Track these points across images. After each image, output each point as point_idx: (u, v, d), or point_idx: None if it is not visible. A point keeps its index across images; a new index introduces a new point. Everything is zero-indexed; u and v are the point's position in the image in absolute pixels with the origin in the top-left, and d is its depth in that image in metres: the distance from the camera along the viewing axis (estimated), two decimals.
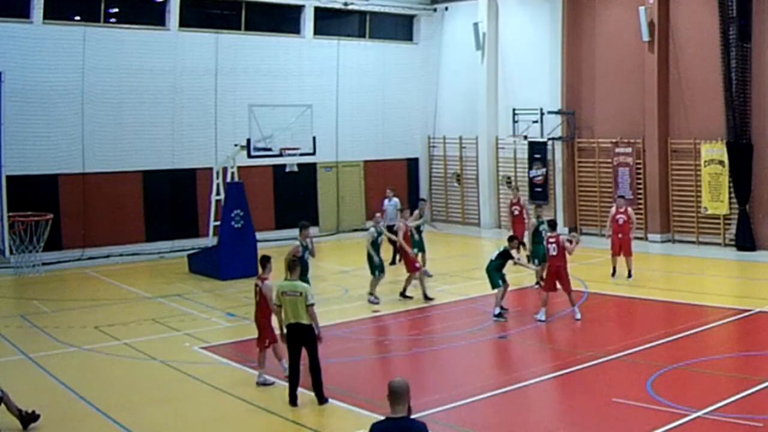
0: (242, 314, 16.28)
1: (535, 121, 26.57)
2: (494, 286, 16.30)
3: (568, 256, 16.17)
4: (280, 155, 22.03)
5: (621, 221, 19.63)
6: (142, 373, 13.17)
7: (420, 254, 20.40)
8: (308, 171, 27.32)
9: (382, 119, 30.46)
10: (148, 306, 18.21)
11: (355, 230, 29.19)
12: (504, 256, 16.43)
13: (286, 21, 28.63)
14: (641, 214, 25.33)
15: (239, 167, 22.48)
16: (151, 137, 25.19)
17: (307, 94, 26.72)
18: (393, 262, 22.34)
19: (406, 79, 30.97)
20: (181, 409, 11.59)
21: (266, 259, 12.81)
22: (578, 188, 27.15)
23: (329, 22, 29.33)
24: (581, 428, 10.47)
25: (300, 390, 12.05)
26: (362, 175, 30.22)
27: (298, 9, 28.44)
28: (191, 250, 23.24)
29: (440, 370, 13.32)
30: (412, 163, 31.78)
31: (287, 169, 23.28)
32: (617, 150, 25.85)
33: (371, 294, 17.78)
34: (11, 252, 22.04)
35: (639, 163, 25.37)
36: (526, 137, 27.18)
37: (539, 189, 28.05)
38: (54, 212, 22.44)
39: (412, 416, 6.70)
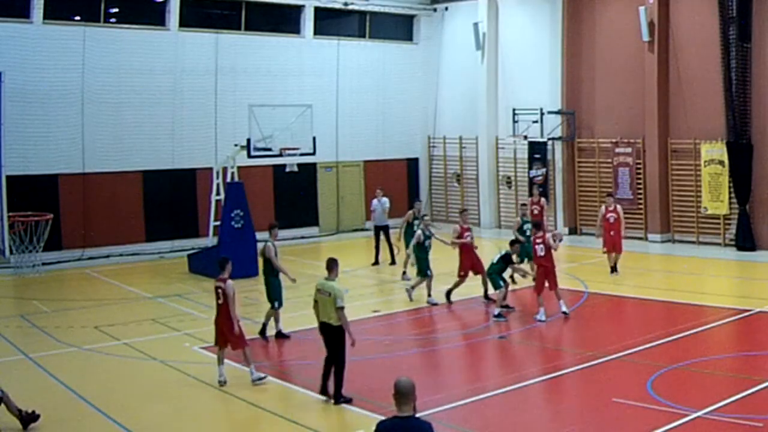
0: (242, 314, 16.26)
1: (535, 121, 26.56)
2: (496, 287, 16.41)
3: (554, 254, 16.37)
4: (280, 155, 22.03)
5: (612, 220, 20.13)
6: (142, 373, 13.17)
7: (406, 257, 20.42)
8: (308, 171, 27.33)
9: (382, 119, 30.47)
10: (148, 306, 18.21)
11: (355, 230, 29.20)
12: (505, 260, 16.55)
13: (286, 21, 28.63)
14: (641, 214, 25.35)
15: (239, 167, 22.48)
16: (151, 137, 25.19)
17: (307, 94, 26.72)
18: (376, 262, 22.36)
19: (406, 79, 30.98)
20: (181, 409, 11.59)
21: (225, 261, 12.85)
22: (578, 188, 27.16)
23: (329, 22, 29.33)
24: (581, 428, 10.46)
25: (300, 390, 12.08)
26: (362, 175, 30.22)
27: (298, 9, 28.44)
28: (191, 250, 23.24)
29: (440, 370, 13.33)
30: (412, 163, 31.78)
31: (287, 169, 23.29)
32: (617, 150, 25.85)
33: (415, 292, 17.69)
34: (11, 252, 22.04)
35: (639, 163, 25.37)
36: (526, 137, 27.18)
37: (539, 189, 28.00)
38: (54, 212, 22.44)
39: (417, 415, 6.71)
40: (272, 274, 15.10)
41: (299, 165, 23.60)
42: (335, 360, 11.52)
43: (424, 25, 31.50)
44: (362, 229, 27.97)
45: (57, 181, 23.78)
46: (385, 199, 23.16)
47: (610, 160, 26.13)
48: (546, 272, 16.11)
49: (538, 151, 27.83)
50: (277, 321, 15.19)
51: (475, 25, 28.96)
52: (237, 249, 20.29)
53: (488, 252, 19.08)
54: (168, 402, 11.79)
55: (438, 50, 31.24)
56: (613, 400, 11.05)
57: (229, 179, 22.16)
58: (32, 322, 16.60)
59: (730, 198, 23.39)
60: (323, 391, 11.57)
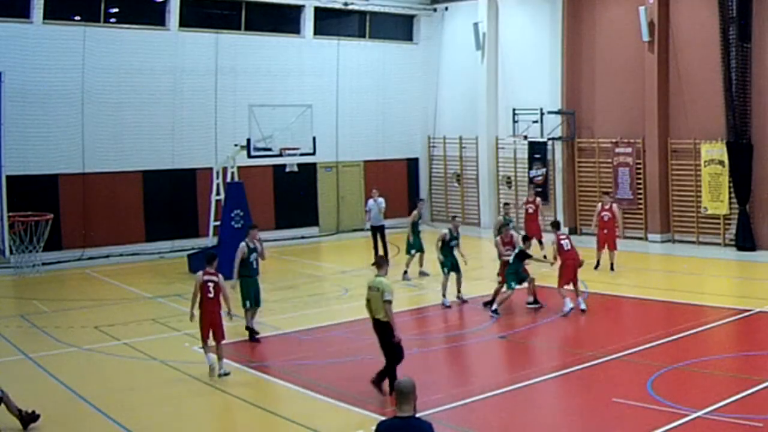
0: (242, 314, 16.26)
1: (535, 121, 26.55)
2: (508, 287, 16.44)
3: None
4: (280, 155, 22.02)
5: (606, 218, 20.72)
6: (142, 373, 13.17)
7: (419, 254, 20.43)
8: (308, 171, 27.33)
9: (382, 119, 30.46)
10: (148, 306, 18.21)
11: (355, 230, 29.20)
12: (521, 257, 16.66)
13: (286, 21, 28.62)
14: (641, 214, 25.35)
15: (239, 167, 22.48)
16: (151, 137, 25.18)
17: (307, 94, 26.70)
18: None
19: (406, 79, 30.97)
20: (181, 408, 11.59)
21: (214, 256, 13.11)
22: (578, 188, 27.15)
23: (329, 22, 29.33)
24: (581, 428, 10.47)
25: (300, 390, 12.08)
26: (362, 175, 30.21)
27: (298, 9, 28.44)
28: (191, 250, 23.23)
29: (440, 369, 13.33)
30: (412, 163, 31.78)
31: (287, 169, 23.29)
32: (617, 150, 25.85)
33: (443, 296, 17.45)
34: (11, 252, 22.03)
35: (639, 163, 25.37)
36: (526, 137, 27.18)
37: (539, 189, 27.99)
38: (54, 212, 22.43)
39: (417, 415, 6.71)
40: (244, 274, 15.08)
41: (299, 165, 23.59)
42: (386, 353, 11.72)
43: (424, 25, 31.50)
44: (362, 229, 27.94)
45: (57, 181, 23.77)
46: (381, 199, 23.14)
47: (610, 160, 26.13)
48: (573, 266, 16.67)
49: (538, 151, 27.83)
50: (252, 318, 15.17)
51: (475, 25, 28.95)
52: (237, 249, 20.27)
53: (488, 252, 19.05)
54: (168, 402, 11.78)
55: (438, 50, 31.24)
56: (613, 400, 11.05)
57: (229, 179, 22.15)
58: (32, 322, 16.60)
59: (730, 198, 23.38)
60: (381, 388, 11.68)
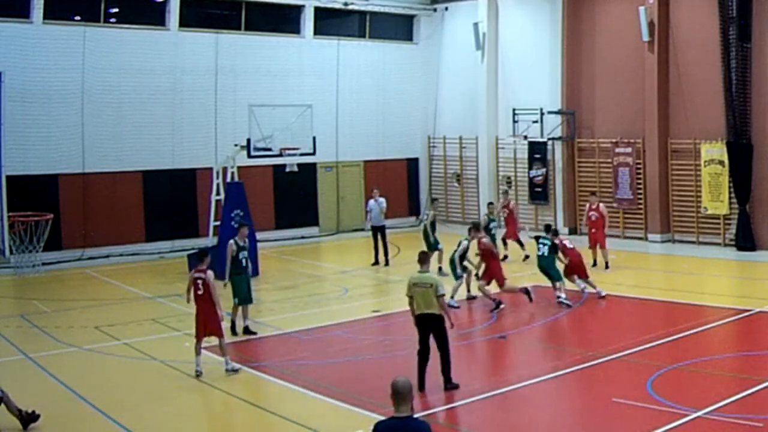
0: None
1: (535, 121, 26.55)
2: (558, 278, 17.24)
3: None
4: (280, 155, 22.02)
5: (594, 218, 21.17)
6: (142, 373, 13.17)
7: (437, 253, 20.23)
8: (308, 171, 27.31)
9: (382, 119, 30.46)
10: (148, 306, 18.21)
11: (355, 230, 29.19)
12: (555, 249, 17.54)
13: (286, 21, 28.62)
14: (641, 214, 25.35)
15: (239, 167, 22.47)
16: (151, 137, 25.17)
17: (307, 94, 26.69)
18: (376, 262, 22.35)
19: (406, 79, 30.96)
20: (181, 408, 11.59)
21: (205, 253, 13.35)
22: (578, 188, 27.14)
23: (329, 22, 29.32)
24: (581, 428, 10.47)
25: (300, 390, 12.08)
26: (362, 175, 30.21)
27: (298, 9, 28.43)
28: (191, 250, 23.19)
29: (440, 369, 13.31)
30: (412, 163, 31.77)
31: (287, 169, 23.28)
32: (617, 150, 25.85)
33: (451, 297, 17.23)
34: (11, 252, 22.03)
35: (639, 163, 25.37)
36: (526, 137, 27.18)
37: (539, 189, 28.05)
38: (54, 212, 22.44)
39: (415, 415, 6.70)
40: (235, 272, 15.26)
41: (299, 165, 23.58)
42: (443, 347, 11.75)
43: (424, 25, 31.49)
44: (362, 229, 27.95)
45: (57, 181, 23.77)
46: (382, 199, 23.15)
47: (610, 160, 26.12)
48: (580, 262, 17.92)
49: (538, 151, 27.83)
50: (244, 317, 15.34)
51: (475, 25, 28.95)
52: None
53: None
54: (168, 402, 11.79)
55: (438, 50, 31.23)
56: (613, 400, 11.05)
57: (229, 179, 22.15)
58: (32, 322, 16.61)
59: (730, 198, 23.38)
60: (421, 386, 11.65)
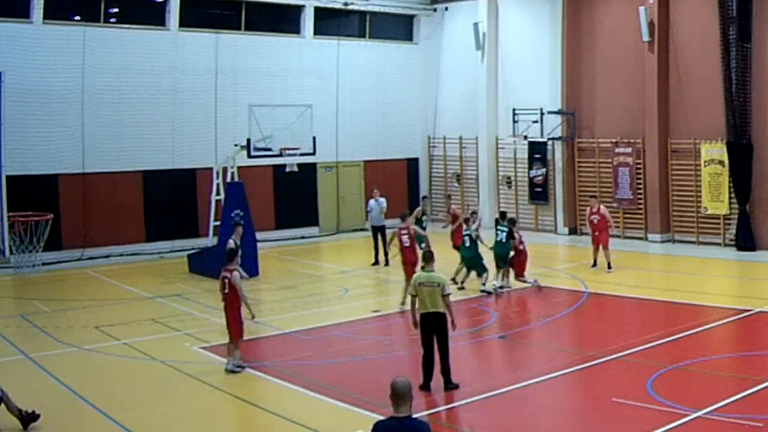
0: (244, 314, 16.27)
1: (535, 121, 26.56)
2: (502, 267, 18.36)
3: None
4: (280, 155, 22.03)
5: (595, 221, 20.89)
6: (142, 373, 13.17)
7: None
8: (308, 171, 27.32)
9: (382, 119, 30.46)
10: (148, 306, 18.21)
11: (355, 230, 29.19)
12: (512, 236, 18.54)
13: (286, 21, 28.63)
14: (641, 214, 25.35)
15: (239, 167, 22.48)
16: (151, 137, 25.18)
17: (307, 94, 26.70)
18: (376, 262, 22.37)
19: (406, 79, 30.97)
20: (181, 408, 11.59)
21: (234, 252, 13.42)
22: (578, 188, 27.15)
23: (329, 22, 29.33)
24: (581, 428, 10.47)
25: (300, 390, 12.08)
26: (362, 175, 30.21)
27: (298, 9, 28.44)
28: (191, 250, 23.24)
29: (440, 370, 13.30)
30: (412, 163, 31.78)
31: (287, 169, 23.29)
32: (617, 150, 25.85)
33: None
34: (11, 252, 22.03)
35: (639, 163, 25.37)
36: (526, 137, 27.18)
37: (539, 189, 28.05)
38: (54, 212, 22.43)
39: (414, 415, 6.70)
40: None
41: (299, 165, 23.59)
42: (443, 347, 11.74)
43: (424, 25, 31.49)
44: (362, 229, 27.95)
45: (57, 181, 23.77)
46: (383, 199, 23.15)
47: (610, 160, 26.13)
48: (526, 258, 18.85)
49: (538, 151, 27.83)
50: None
51: (475, 25, 28.96)
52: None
53: (487, 251, 19.06)
54: (168, 402, 11.79)
55: (438, 50, 31.24)
56: (613, 400, 11.05)
57: (229, 179, 22.15)
58: (32, 322, 16.60)
59: (730, 198, 23.38)
60: (426, 386, 11.68)
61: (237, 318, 12.89)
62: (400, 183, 30.85)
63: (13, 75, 22.43)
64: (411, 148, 31.59)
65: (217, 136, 25.99)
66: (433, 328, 11.76)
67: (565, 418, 10.91)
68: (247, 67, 26.92)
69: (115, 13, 25.12)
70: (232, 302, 12.85)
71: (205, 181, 24.20)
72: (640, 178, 25.38)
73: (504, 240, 18.50)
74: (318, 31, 28.80)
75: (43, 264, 22.20)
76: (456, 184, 30.93)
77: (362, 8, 29.71)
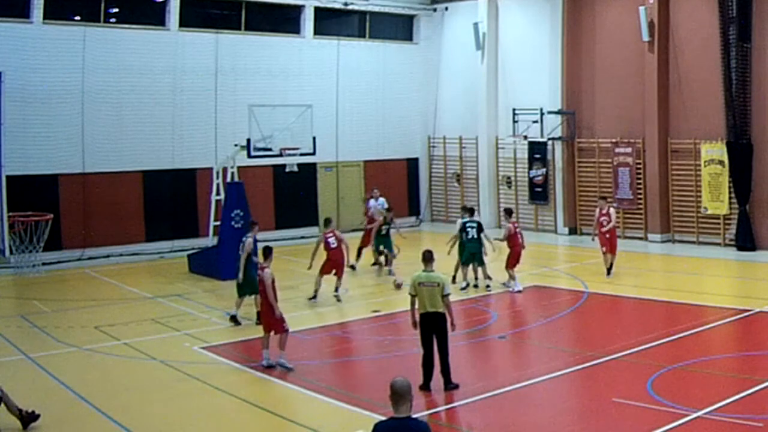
0: (242, 314, 16.28)
1: (535, 121, 26.56)
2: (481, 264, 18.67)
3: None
4: (280, 155, 22.03)
5: (605, 222, 20.02)
6: (142, 373, 13.17)
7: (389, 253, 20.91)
8: (308, 171, 27.32)
9: (382, 119, 30.46)
10: (148, 306, 18.21)
11: (355, 230, 29.15)
12: (481, 229, 18.85)
13: (286, 21, 28.62)
14: (641, 214, 25.35)
15: (239, 167, 22.48)
16: (151, 137, 25.18)
17: (307, 94, 26.71)
18: (376, 262, 22.35)
19: (406, 79, 30.97)
20: (181, 409, 11.58)
21: (269, 250, 13.76)
22: (578, 188, 27.15)
23: (329, 22, 29.33)
24: (581, 428, 10.46)
25: (300, 390, 12.08)
26: (362, 175, 30.21)
27: (298, 9, 28.44)
28: (191, 250, 23.24)
29: (440, 370, 13.31)
30: (412, 163, 31.78)
31: (287, 169, 23.29)
32: (617, 150, 25.85)
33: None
34: (11, 252, 22.04)
35: (639, 163, 25.37)
36: (526, 137, 27.18)
37: (539, 189, 28.05)
38: (54, 212, 22.43)
39: (414, 416, 6.69)
40: (250, 268, 15.94)
41: (299, 165, 23.59)
42: (443, 348, 11.73)
43: (424, 25, 31.50)
44: (362, 230, 27.93)
45: (57, 181, 23.77)
46: (382, 200, 23.14)
47: (610, 160, 26.13)
48: (520, 252, 18.71)
49: (538, 151, 27.83)
50: (239, 307, 16.08)
51: (475, 25, 28.96)
52: (237, 249, 20.22)
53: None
54: (168, 402, 11.78)
55: (438, 50, 31.24)
56: (613, 400, 11.05)
57: (229, 179, 22.15)
58: (32, 322, 16.60)
59: (730, 198, 23.38)
60: (426, 386, 11.69)
61: (270, 312, 13.03)
62: (400, 183, 30.84)
63: (13, 75, 22.45)
64: (411, 148, 31.58)
65: (217, 136, 25.99)
66: (432, 328, 11.75)
67: (565, 418, 10.90)
68: (247, 67, 26.92)
69: (115, 13, 25.12)
70: (264, 297, 13.08)
71: (205, 181, 24.19)
72: (640, 178, 25.38)
73: (476, 236, 18.58)
74: (318, 31, 28.80)
75: (43, 264, 22.20)
76: (456, 184, 30.93)
77: (362, 8, 29.71)
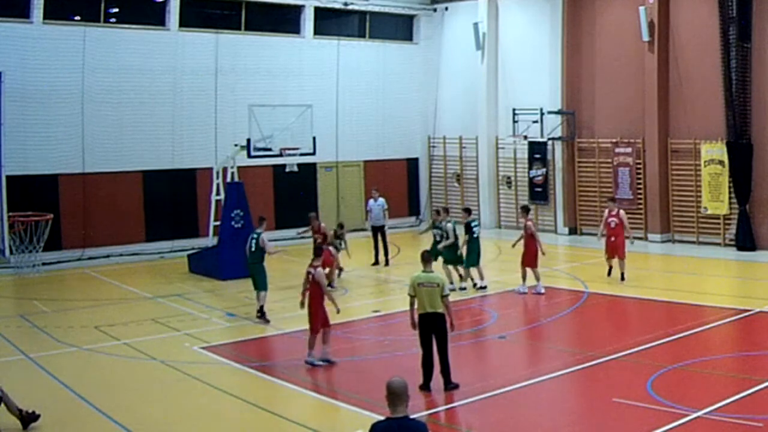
0: (242, 314, 16.30)
1: (535, 121, 26.56)
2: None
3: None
4: (280, 155, 22.05)
5: (613, 224, 19.32)
6: (142, 373, 13.17)
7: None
8: (308, 171, 27.33)
9: (382, 119, 30.46)
10: (148, 306, 18.21)
11: (355, 230, 29.15)
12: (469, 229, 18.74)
13: (286, 21, 28.62)
14: (641, 214, 25.34)
15: (239, 167, 22.49)
16: (151, 137, 25.19)
17: (307, 94, 26.71)
18: (376, 262, 22.38)
19: (406, 79, 30.97)
20: (181, 409, 11.59)
21: (320, 249, 13.95)
22: (578, 188, 27.16)
23: (329, 22, 29.33)
24: (581, 428, 10.47)
25: (300, 390, 12.08)
26: (362, 175, 30.21)
27: (298, 9, 28.44)
28: (191, 250, 23.24)
29: (440, 370, 13.31)
30: (412, 163, 31.78)
31: (287, 169, 23.30)
32: (617, 150, 25.85)
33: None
34: (11, 252, 22.04)
35: (639, 163, 25.37)
36: (526, 137, 27.18)
37: (539, 189, 28.05)
38: (54, 212, 22.44)
39: (412, 416, 6.69)
40: (262, 261, 16.78)
41: (299, 165, 23.60)
42: (442, 348, 11.73)
43: (424, 25, 31.49)
44: (362, 229, 27.95)
45: (57, 181, 23.77)
46: (382, 200, 23.16)
47: (610, 160, 26.13)
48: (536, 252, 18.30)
49: (538, 151, 27.83)
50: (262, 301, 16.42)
51: (475, 25, 28.96)
52: (237, 249, 20.25)
53: (487, 251, 19.09)
54: (168, 402, 11.79)
55: (438, 50, 31.23)
56: (613, 400, 11.05)
57: (229, 179, 22.15)
58: (32, 322, 16.61)
59: (730, 198, 23.39)
60: (426, 386, 11.70)
61: (319, 310, 13.09)
62: (400, 183, 30.85)
63: (13, 75, 22.47)
64: (411, 148, 31.58)
65: (217, 136, 25.99)
66: (431, 328, 11.75)
67: (565, 418, 10.91)
68: (247, 67, 26.92)
69: (115, 13, 25.12)
70: (315, 295, 13.12)
71: (205, 181, 24.21)
72: (640, 178, 25.38)
73: (479, 234, 18.75)
74: (318, 31, 28.80)
75: (43, 264, 22.21)
76: (456, 184, 30.93)
77: (362, 8, 29.71)
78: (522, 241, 18.57)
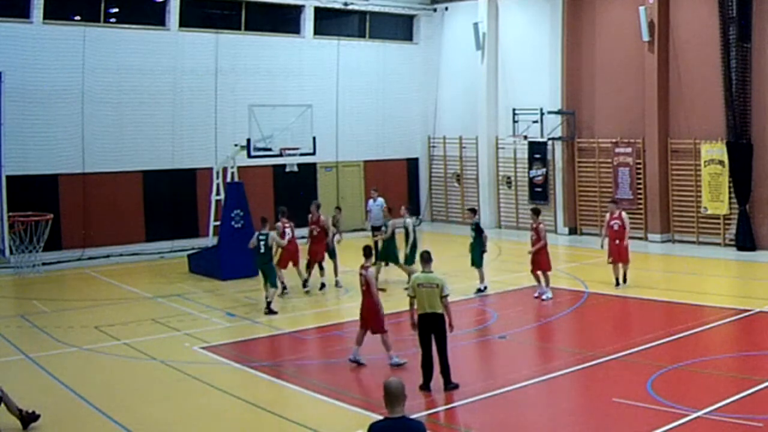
0: (242, 314, 16.30)
1: (535, 121, 26.56)
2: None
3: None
4: (280, 155, 22.04)
5: (616, 227, 18.61)
6: (142, 373, 13.17)
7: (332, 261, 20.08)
8: (308, 171, 27.33)
9: (382, 119, 30.46)
10: (148, 306, 18.21)
11: (355, 230, 29.16)
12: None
13: (286, 21, 28.63)
14: (641, 214, 25.33)
15: (239, 167, 22.48)
16: (151, 137, 25.19)
17: (307, 94, 26.71)
18: (376, 262, 22.31)
19: (406, 79, 30.98)
20: (181, 409, 11.58)
21: (369, 250, 13.62)
22: (578, 188, 27.15)
23: (329, 22, 29.33)
24: (581, 428, 10.46)
25: (300, 390, 12.08)
26: (362, 175, 30.21)
27: (298, 9, 28.44)
28: (191, 250, 23.24)
29: (440, 370, 13.31)
30: (412, 163, 31.79)
31: (287, 169, 23.30)
32: (617, 150, 25.85)
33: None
34: (11, 252, 22.04)
35: (639, 163, 25.37)
36: (526, 137, 27.18)
37: (539, 189, 28.05)
38: (54, 212, 22.43)
39: (412, 416, 6.70)
40: (272, 261, 17.37)
41: (299, 165, 23.60)
42: (442, 349, 11.71)
43: (424, 25, 31.50)
44: (362, 229, 27.94)
45: (57, 181, 23.77)
46: (381, 200, 23.15)
47: (610, 160, 26.13)
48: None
49: (538, 151, 27.83)
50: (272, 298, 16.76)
51: (475, 25, 28.96)
52: (237, 249, 20.30)
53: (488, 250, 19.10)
54: (168, 402, 11.78)
55: (438, 50, 31.24)
56: (613, 400, 11.05)
57: (229, 179, 22.15)
58: (32, 322, 16.61)
59: (730, 198, 23.38)
60: (426, 386, 11.70)
61: (376, 311, 13.03)
62: (400, 183, 30.84)
63: (13, 75, 22.46)
64: (411, 148, 31.58)
65: (217, 136, 25.99)
66: (431, 328, 11.75)
67: (565, 418, 10.90)
68: (247, 67, 26.92)
69: (115, 13, 25.12)
70: (369, 297, 13.06)
71: (205, 181, 24.21)
72: (640, 178, 25.38)
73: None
74: (318, 31, 28.80)
75: (43, 264, 22.20)
76: (456, 184, 30.93)
77: (362, 8, 29.72)
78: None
